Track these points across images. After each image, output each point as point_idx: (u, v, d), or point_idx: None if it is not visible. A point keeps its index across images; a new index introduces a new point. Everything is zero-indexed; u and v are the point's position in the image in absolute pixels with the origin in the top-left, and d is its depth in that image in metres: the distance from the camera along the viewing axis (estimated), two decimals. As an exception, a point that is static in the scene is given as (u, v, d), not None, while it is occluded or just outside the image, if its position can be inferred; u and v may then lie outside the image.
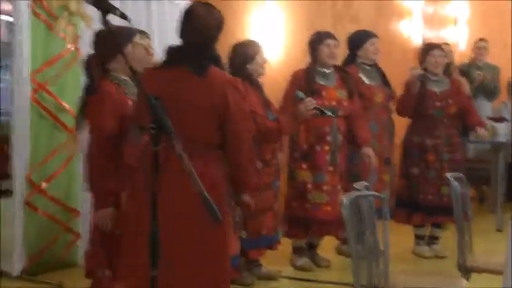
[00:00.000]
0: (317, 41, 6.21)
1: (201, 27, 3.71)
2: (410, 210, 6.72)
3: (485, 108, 8.92)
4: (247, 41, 5.93)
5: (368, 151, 6.21)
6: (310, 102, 5.67)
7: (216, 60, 3.77)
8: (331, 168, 6.08)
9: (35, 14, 5.78)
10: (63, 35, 5.95)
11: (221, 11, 3.85)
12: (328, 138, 6.07)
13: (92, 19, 5.79)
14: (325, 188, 6.07)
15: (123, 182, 4.02)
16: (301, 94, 5.76)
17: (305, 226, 6.15)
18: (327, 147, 6.08)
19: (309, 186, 6.07)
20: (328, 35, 6.24)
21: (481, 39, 9.17)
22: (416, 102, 6.60)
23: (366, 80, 6.54)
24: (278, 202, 5.96)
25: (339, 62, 6.47)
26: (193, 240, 3.59)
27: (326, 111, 5.74)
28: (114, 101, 4.09)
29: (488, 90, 8.87)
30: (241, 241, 5.51)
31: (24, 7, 5.73)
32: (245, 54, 5.67)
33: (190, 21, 3.75)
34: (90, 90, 4.19)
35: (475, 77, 8.76)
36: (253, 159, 3.80)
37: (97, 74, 4.16)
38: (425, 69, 6.70)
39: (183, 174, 2.79)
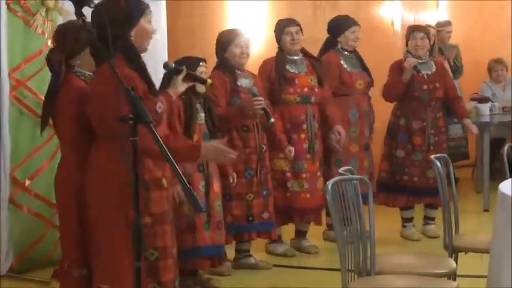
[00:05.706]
0: (279, 30, 6.18)
1: (95, 21, 3.68)
2: (393, 192, 6.71)
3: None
4: (226, 30, 5.91)
5: (339, 128, 6.20)
6: (258, 102, 5.56)
7: (124, 50, 3.68)
8: (309, 156, 6.08)
9: (11, 11, 5.73)
10: (42, 31, 5.90)
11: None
12: (304, 126, 6.06)
13: (70, 14, 5.72)
14: (304, 175, 6.08)
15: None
16: (255, 90, 5.71)
17: (287, 214, 6.15)
18: (303, 135, 6.07)
19: (288, 174, 6.06)
20: (289, 23, 6.17)
21: (447, 22, 9.13)
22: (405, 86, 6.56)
23: (348, 67, 6.51)
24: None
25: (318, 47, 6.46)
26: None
27: (270, 117, 5.59)
28: (83, 96, 3.89)
29: (453, 69, 8.87)
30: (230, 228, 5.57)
31: (1, 5, 5.67)
32: (221, 43, 5.72)
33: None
34: (56, 88, 4.02)
35: (446, 56, 8.75)
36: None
37: (62, 71, 4.02)
38: (408, 52, 6.65)
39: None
